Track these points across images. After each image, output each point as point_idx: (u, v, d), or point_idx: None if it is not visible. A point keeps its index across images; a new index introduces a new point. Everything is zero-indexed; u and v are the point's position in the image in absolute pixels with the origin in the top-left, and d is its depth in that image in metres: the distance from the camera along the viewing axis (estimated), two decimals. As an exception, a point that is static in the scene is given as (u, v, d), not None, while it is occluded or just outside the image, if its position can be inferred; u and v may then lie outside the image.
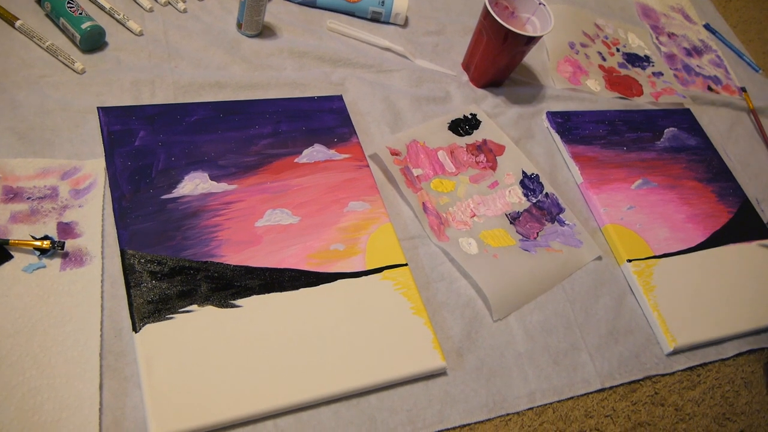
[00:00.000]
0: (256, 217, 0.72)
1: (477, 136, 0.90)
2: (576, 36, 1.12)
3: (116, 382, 0.60)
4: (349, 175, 0.79)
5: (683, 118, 1.06)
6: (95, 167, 0.72)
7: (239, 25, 0.89)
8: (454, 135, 0.89)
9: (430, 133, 0.88)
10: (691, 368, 0.78)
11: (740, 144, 1.08)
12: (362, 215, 0.76)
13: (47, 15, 0.82)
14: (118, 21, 0.85)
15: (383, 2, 0.98)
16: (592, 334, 0.76)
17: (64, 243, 0.65)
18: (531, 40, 0.90)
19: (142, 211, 0.69)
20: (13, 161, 0.70)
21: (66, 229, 0.67)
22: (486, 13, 0.89)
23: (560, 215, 0.85)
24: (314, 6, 0.97)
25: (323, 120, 0.83)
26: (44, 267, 0.64)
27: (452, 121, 0.90)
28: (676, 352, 0.78)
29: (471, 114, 0.92)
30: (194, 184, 0.73)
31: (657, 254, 0.85)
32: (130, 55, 0.82)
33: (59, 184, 0.70)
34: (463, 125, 0.90)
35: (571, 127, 0.96)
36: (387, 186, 0.81)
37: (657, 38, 1.21)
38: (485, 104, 0.95)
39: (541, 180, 0.88)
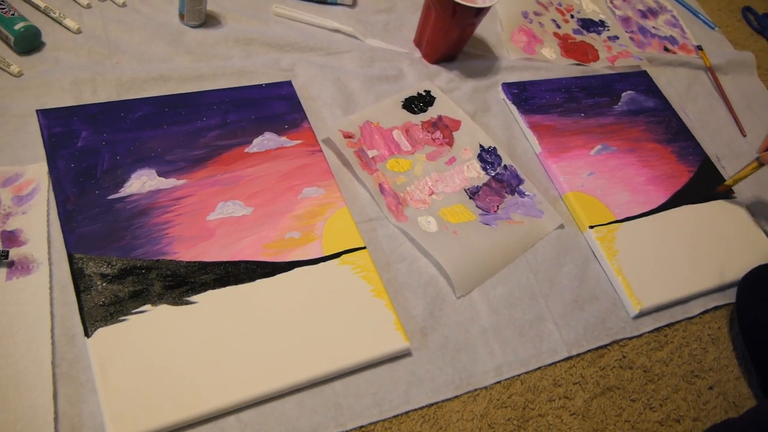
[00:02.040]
0: (208, 211, 0.71)
1: (432, 113, 0.89)
2: (529, 5, 1.11)
3: (71, 389, 0.59)
4: (302, 162, 0.78)
5: (640, 80, 1.05)
6: (37, 172, 0.70)
7: (181, 16, 0.87)
8: (409, 113, 0.88)
9: (383, 112, 0.86)
10: (657, 329, 0.78)
11: (699, 102, 1.08)
12: (317, 201, 0.75)
13: (-22, 18, 0.79)
14: (54, 20, 0.82)
15: (329, -17, 0.96)
16: (557, 303, 0.76)
17: (8, 252, 0.63)
18: (480, 12, 0.88)
19: (88, 213, 0.67)
20: (-50, 172, 0.67)
21: (10, 238, 0.65)
22: (433, -13, 0.88)
23: (520, 186, 0.85)
24: (258, -9, 0.95)
25: (273, 107, 0.81)
26: (-11, 278, 0.62)
27: (406, 99, 0.89)
28: (642, 315, 0.78)
29: (425, 91, 0.91)
30: (141, 182, 0.71)
31: (619, 219, 0.85)
32: (69, 54, 0.80)
33: (0, 192, 0.68)
34: (417, 102, 0.89)
35: (527, 97, 0.95)
36: (342, 170, 0.80)
37: (611, 2, 1.20)
38: (439, 80, 0.94)
39: (499, 153, 0.87)
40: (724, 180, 0.95)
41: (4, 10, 0.78)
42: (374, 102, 0.88)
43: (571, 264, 0.80)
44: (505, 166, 0.86)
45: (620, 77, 1.04)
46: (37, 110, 0.73)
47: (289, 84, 0.84)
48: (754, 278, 0.79)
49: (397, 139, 0.84)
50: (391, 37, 0.97)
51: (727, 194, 0.93)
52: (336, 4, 0.98)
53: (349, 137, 0.82)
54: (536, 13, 1.10)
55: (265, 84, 0.83)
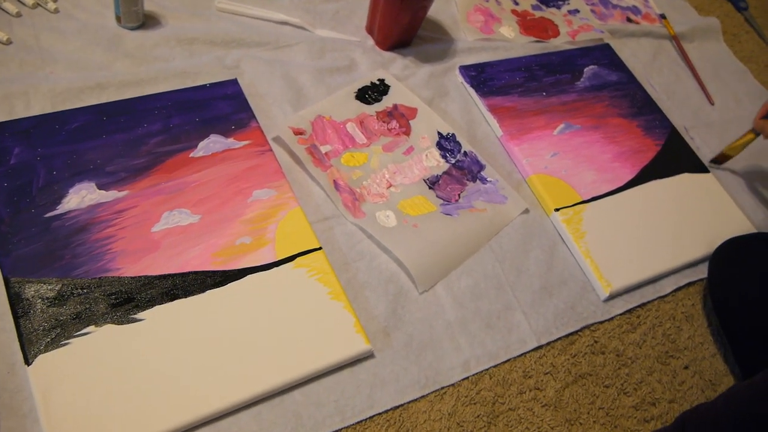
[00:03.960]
0: (152, 222, 0.68)
1: (387, 102, 0.85)
2: (485, -17, 1.07)
3: (14, 421, 0.56)
4: (251, 163, 0.74)
5: (603, 54, 1.02)
6: (-31, 193, 0.66)
7: (118, 19, 0.83)
8: (363, 104, 0.84)
9: (335, 105, 0.83)
10: (629, 311, 0.76)
11: (664, 73, 1.06)
12: (268, 203, 0.72)
13: None
14: (-19, 31, 0.78)
15: (273, -26, 0.93)
16: (525, 291, 0.74)
17: (-62, 281, 0.60)
18: (427, -6, 0.85)
19: (24, 233, 0.64)
20: None
21: (-58, 265, 0.62)
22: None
23: (481, 173, 0.82)
24: (200, -13, 0.91)
25: (218, 108, 0.78)
26: None
27: (359, 89, 0.86)
28: (612, 297, 0.76)
29: (378, 80, 0.87)
30: (80, 197, 0.68)
31: (585, 199, 0.82)
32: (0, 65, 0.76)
33: (-70, 218, 0.64)
34: (371, 92, 0.86)
35: (485, 79, 0.92)
36: (294, 168, 0.77)
37: (570, -25, 1.16)
38: (394, 67, 0.91)
39: (458, 139, 0.84)
40: (692, 151, 0.92)
41: (-75, 25, 0.74)
42: (326, 95, 0.84)
43: (537, 249, 0.78)
44: (465, 152, 0.83)
45: (582, 52, 1.01)
46: (-35, 128, 0.70)
47: (234, 82, 0.81)
48: (725, 251, 0.77)
49: (351, 132, 0.81)
50: (341, 26, 0.94)
51: (719, 162, 0.92)
52: (282, -5, 0.94)
53: (300, 134, 0.79)
54: (493, -8, 1.07)
55: (209, 84, 0.80)
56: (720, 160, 0.93)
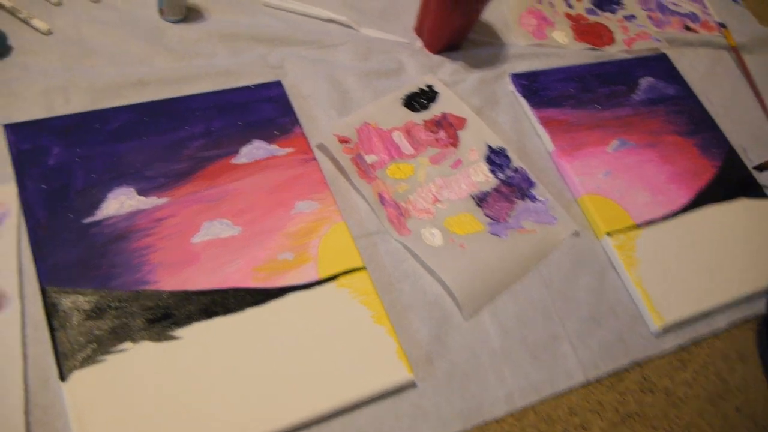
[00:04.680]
0: (192, 232, 0.65)
1: (435, 110, 0.82)
2: (539, -17, 1.02)
3: (47, 438, 0.54)
4: (294, 172, 0.72)
5: (659, 64, 0.98)
6: (6, 194, 0.64)
7: (160, 11, 0.80)
8: (410, 111, 0.81)
9: (382, 112, 0.80)
10: (681, 346, 0.73)
11: (723, 87, 1.01)
12: (311, 216, 0.69)
13: (-62, 21, 0.72)
14: (21, 20, 0.75)
15: (321, -32, 0.89)
16: (573, 320, 0.71)
17: (-27, 288, 0.58)
18: (485, -2, 0.81)
19: (61, 240, 0.62)
20: None
21: (-23, 270, 0.60)
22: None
23: (531, 190, 0.78)
24: (245, -21, 0.87)
25: (261, 111, 0.75)
26: (-44, 316, 0.57)
27: (406, 95, 0.82)
28: (664, 331, 0.72)
29: (427, 86, 0.84)
30: (119, 202, 0.65)
31: (638, 223, 0.78)
32: (39, 58, 0.73)
33: (-34, 219, 0.62)
34: (419, 99, 0.82)
35: (538, 88, 0.88)
36: (338, 178, 0.74)
37: (627, -24, 1.11)
38: (442, 72, 0.87)
39: (509, 153, 0.80)
40: (750, 174, 0.88)
41: (-36, 13, 0.71)
42: (372, 100, 0.81)
43: (587, 275, 0.74)
44: (515, 168, 0.79)
45: (638, 62, 0.96)
46: (3, 125, 0.67)
47: (278, 84, 0.78)
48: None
49: (398, 142, 0.78)
50: (389, 26, 0.90)
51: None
52: (329, -10, 0.90)
53: (345, 142, 0.75)
54: (546, -8, 1.02)
55: (253, 85, 0.77)
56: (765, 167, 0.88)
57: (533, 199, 0.78)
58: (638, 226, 0.78)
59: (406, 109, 0.81)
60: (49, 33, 0.75)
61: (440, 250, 0.70)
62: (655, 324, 0.71)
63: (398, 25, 0.90)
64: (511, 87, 0.88)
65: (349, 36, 0.87)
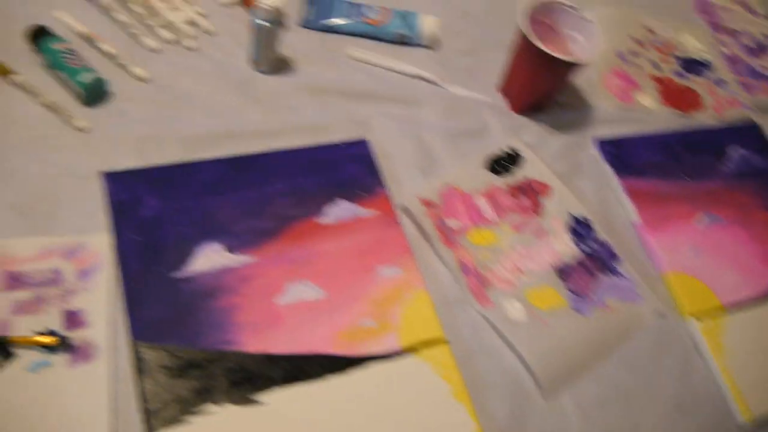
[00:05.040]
0: (277, 293, 0.65)
1: (518, 175, 0.81)
2: (624, 43, 1.01)
3: (129, 498, 0.55)
4: (378, 235, 0.71)
5: (751, 134, 0.94)
6: (101, 243, 0.65)
7: (253, 62, 0.81)
8: (493, 175, 0.80)
9: (465, 174, 0.79)
10: (769, 443, 0.70)
11: (815, 160, 0.97)
12: (394, 283, 0.69)
13: (45, 66, 0.75)
14: (121, 66, 0.78)
15: (409, 23, 0.89)
16: (656, 408, 0.68)
17: (69, 340, 0.59)
18: (577, 67, 0.80)
19: (152, 294, 0.63)
20: (13, 242, 0.64)
21: (72, 318, 0.61)
22: (522, 34, 0.79)
23: (615, 264, 0.76)
24: (334, 31, 0.88)
25: (346, 170, 0.75)
26: (49, 365, 0.59)
27: (490, 158, 0.81)
28: (752, 426, 0.69)
29: (511, 149, 0.83)
30: (208, 258, 0.66)
31: (726, 306, 0.76)
32: (136, 105, 0.75)
33: (63, 266, 0.64)
34: (503, 163, 0.81)
35: (624, 156, 0.86)
36: (420, 242, 0.73)
37: (716, 37, 1.08)
38: (526, 133, 0.86)
39: (592, 224, 0.79)
40: None
41: (70, 61, 0.73)
42: (456, 161, 0.80)
43: (671, 360, 0.72)
44: (599, 240, 0.77)
45: (728, 131, 0.94)
46: (103, 173, 0.69)
47: (364, 144, 0.78)
48: None
49: (481, 207, 0.77)
50: (474, 83, 0.89)
51: None
52: (416, 45, 0.90)
53: (429, 205, 0.75)
54: (633, 53, 1.00)
55: (338, 143, 0.77)
56: None
57: (617, 274, 0.76)
58: (726, 310, 0.75)
59: (489, 173, 0.80)
60: (146, 80, 0.77)
61: (522, 325, 0.69)
62: (743, 417, 0.68)
63: (483, 82, 0.90)
64: (596, 153, 0.86)
65: (434, 93, 0.86)
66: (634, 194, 0.82)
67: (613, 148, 0.86)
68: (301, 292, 0.66)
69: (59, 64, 0.73)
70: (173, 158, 0.72)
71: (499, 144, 0.83)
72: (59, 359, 0.59)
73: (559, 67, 0.80)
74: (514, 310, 0.70)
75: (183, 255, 0.66)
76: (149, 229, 0.66)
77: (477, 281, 0.71)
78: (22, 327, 0.60)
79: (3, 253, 0.63)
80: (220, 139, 0.75)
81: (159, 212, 0.68)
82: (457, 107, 0.86)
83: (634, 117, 0.92)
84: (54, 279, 0.63)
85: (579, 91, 0.93)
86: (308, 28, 0.88)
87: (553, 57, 0.77)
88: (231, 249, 0.67)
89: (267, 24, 0.76)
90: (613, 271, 0.76)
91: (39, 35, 0.74)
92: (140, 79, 0.77)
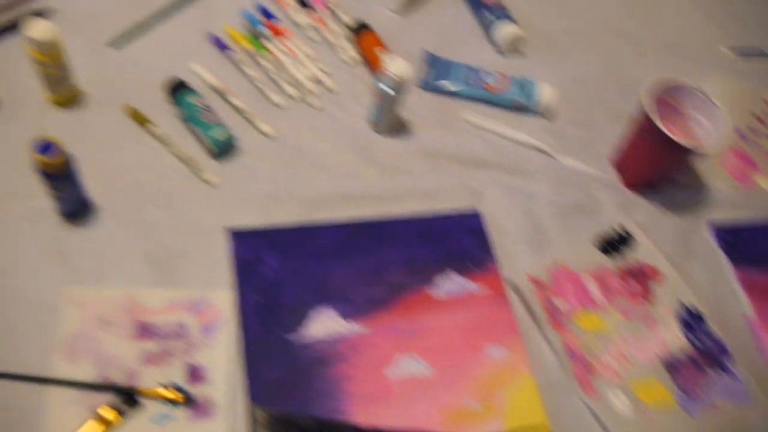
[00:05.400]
0: (387, 365, 0.67)
1: (629, 257, 0.80)
2: (744, 119, 0.97)
3: None
4: (487, 313, 0.72)
5: None
6: (223, 300, 0.69)
7: (372, 123, 0.84)
8: (603, 255, 0.79)
9: (575, 253, 0.79)
10: None
11: None
12: (500, 364, 0.69)
13: (179, 118, 0.79)
14: (248, 121, 0.81)
15: (527, 92, 0.89)
16: None
17: (192, 396, 0.63)
18: (697, 153, 0.78)
19: (270, 355, 0.65)
20: (144, 292, 0.68)
21: (195, 373, 0.65)
22: (643, 112, 0.78)
23: (727, 362, 0.74)
24: (451, 94, 0.89)
25: (458, 242, 0.76)
26: (173, 419, 0.62)
27: (600, 237, 0.80)
28: None
29: (623, 229, 0.82)
30: (323, 324, 0.68)
31: (843, 418, 0.72)
32: (261, 162, 0.79)
33: (188, 320, 0.67)
34: (614, 243, 0.80)
35: (740, 244, 0.83)
36: (527, 322, 0.73)
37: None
38: (638, 212, 0.84)
39: (704, 315, 0.77)
40: None
41: (205, 116, 0.77)
42: (565, 237, 0.80)
43: (780, 470, 0.69)
44: (710, 333, 0.75)
45: None
46: (229, 231, 0.72)
47: (476, 216, 0.78)
48: None
49: (590, 288, 0.76)
50: (587, 155, 0.88)
51: None
52: (532, 112, 0.90)
53: (538, 284, 0.75)
54: (753, 130, 0.97)
55: (451, 214, 0.78)
56: None
57: (728, 372, 0.73)
58: (844, 423, 0.72)
59: (599, 253, 0.79)
60: (272, 137, 0.81)
61: (628, 421, 0.68)
62: None
63: (596, 155, 0.89)
64: (711, 238, 0.84)
65: (547, 163, 0.86)
66: (749, 286, 0.80)
67: (729, 235, 0.84)
68: (410, 366, 0.67)
69: (194, 119, 0.78)
70: (293, 217, 0.75)
71: (610, 221, 0.82)
72: (182, 413, 0.62)
73: (681, 152, 0.79)
74: (620, 402, 0.69)
75: (299, 318, 0.68)
76: (269, 289, 0.69)
77: (583, 368, 0.71)
78: (149, 377, 0.64)
79: (135, 301, 0.67)
80: (338, 201, 0.77)
81: (279, 273, 0.70)
82: (569, 180, 0.85)
83: (753, 201, 0.89)
84: (179, 332, 0.67)
85: (694, 170, 0.90)
86: (426, 89, 0.89)
87: (675, 141, 0.76)
88: (345, 316, 0.69)
89: (391, 91, 0.78)
90: (725, 369, 0.74)
91: (177, 88, 0.79)
92: (266, 135, 0.81)
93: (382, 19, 0.94)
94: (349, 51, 0.90)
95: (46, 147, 0.63)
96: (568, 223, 0.81)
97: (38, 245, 0.69)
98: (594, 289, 0.77)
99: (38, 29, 0.71)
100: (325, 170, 0.80)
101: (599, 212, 0.83)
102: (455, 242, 0.76)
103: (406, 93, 0.81)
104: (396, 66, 0.77)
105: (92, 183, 0.70)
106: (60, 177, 0.65)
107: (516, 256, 0.77)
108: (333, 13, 0.93)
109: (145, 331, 0.66)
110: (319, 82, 0.86)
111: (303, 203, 0.76)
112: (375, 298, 0.71)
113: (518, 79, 0.90)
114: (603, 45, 1.00)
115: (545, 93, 0.89)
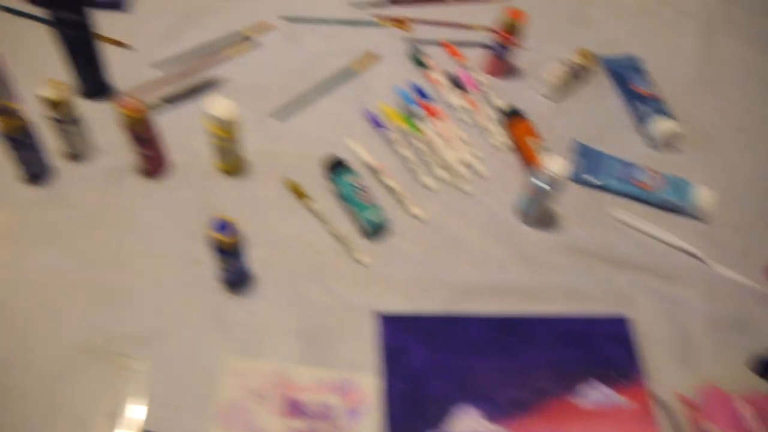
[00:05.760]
0: (528, 476, 0.66)
1: (788, 384, 0.75)
2: None
3: None
4: (633, 429, 0.70)
5: None
6: (369, 385, 0.70)
7: (520, 214, 0.84)
8: (759, 379, 0.75)
9: (728, 373, 0.75)
10: None
11: None
12: (645, 488, 0.66)
13: (336, 195, 0.82)
14: (400, 203, 0.83)
15: (682, 193, 0.86)
16: None
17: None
18: None
19: (412, 450, 0.66)
20: (294, 368, 0.70)
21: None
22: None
23: None
24: (601, 188, 0.88)
25: (603, 348, 0.74)
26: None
27: (756, 358, 0.76)
28: None
29: (781, 351, 0.77)
30: (465, 423, 0.68)
31: None
32: (412, 245, 0.80)
33: (335, 401, 0.69)
34: (771, 366, 0.76)
35: None
36: (674, 444, 0.70)
37: None
38: (799, 333, 0.79)
39: None
40: None
41: (361, 197, 0.80)
42: (718, 354, 0.76)
43: None
44: None
45: None
46: (379, 315, 0.74)
47: (623, 321, 0.76)
48: None
49: (746, 417, 0.72)
50: (744, 265, 0.84)
51: None
52: (688, 215, 0.87)
53: (687, 404, 0.72)
54: None
55: (598, 318, 0.76)
56: None
57: None
58: None
59: (754, 375, 0.75)
60: (423, 220, 0.82)
61: None
62: None
63: (752, 265, 0.84)
64: None
65: (699, 270, 0.83)
66: None
67: None
68: (551, 479, 0.66)
69: (350, 198, 0.80)
70: (437, 305, 0.76)
71: (766, 341, 0.78)
72: (325, 496, 0.64)
73: None
74: None
75: (442, 413, 0.69)
76: (415, 379, 0.70)
77: (733, 504, 0.67)
78: (295, 455, 0.66)
79: (286, 376, 0.70)
80: (483, 292, 0.77)
81: (425, 364, 0.71)
82: (722, 290, 0.82)
83: None
84: (326, 413, 0.68)
85: None
86: (576, 182, 0.88)
87: None
88: (487, 416, 0.69)
89: (547, 187, 0.78)
90: None
91: (336, 166, 0.82)
92: (417, 218, 0.82)
93: (534, 103, 0.95)
94: (500, 136, 0.90)
95: (222, 226, 0.67)
96: (720, 338, 0.78)
97: (201, 311, 0.73)
98: (750, 417, 0.72)
99: (220, 107, 0.76)
100: (472, 259, 0.80)
101: (754, 330, 0.79)
102: (601, 349, 0.74)
103: (561, 190, 0.80)
104: (554, 164, 0.76)
105: (252, 251, 0.74)
106: (231, 253, 0.69)
107: (664, 369, 0.74)
108: (486, 96, 0.94)
109: (294, 408, 0.68)
110: (469, 166, 0.87)
111: (448, 291, 0.77)
112: (518, 401, 0.70)
113: (674, 178, 0.87)
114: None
115: (703, 197, 0.86)
